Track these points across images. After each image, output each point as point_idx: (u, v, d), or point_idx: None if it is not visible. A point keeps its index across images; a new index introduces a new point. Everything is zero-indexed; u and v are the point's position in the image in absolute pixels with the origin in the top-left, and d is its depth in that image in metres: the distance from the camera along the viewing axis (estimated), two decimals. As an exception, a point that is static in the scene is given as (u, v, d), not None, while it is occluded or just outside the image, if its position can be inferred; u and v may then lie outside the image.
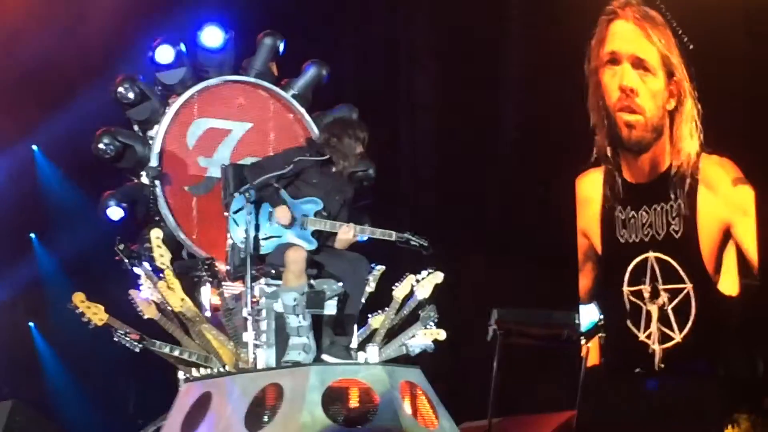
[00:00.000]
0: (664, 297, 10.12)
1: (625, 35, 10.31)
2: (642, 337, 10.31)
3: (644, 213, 10.13)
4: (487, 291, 10.71)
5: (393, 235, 8.57)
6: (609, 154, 10.50)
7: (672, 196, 9.99)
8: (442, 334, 9.27)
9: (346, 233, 8.50)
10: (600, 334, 9.60)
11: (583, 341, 8.93)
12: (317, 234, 8.50)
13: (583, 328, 9.15)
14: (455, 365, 10.60)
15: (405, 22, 12.21)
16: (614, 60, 10.35)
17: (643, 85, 10.14)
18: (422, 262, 9.36)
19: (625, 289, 10.41)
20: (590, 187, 10.68)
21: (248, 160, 9.42)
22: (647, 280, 10.23)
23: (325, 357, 8.32)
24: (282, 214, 8.42)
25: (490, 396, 7.95)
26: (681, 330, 10.05)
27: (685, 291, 10.02)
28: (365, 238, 8.75)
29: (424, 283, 9.33)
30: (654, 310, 10.18)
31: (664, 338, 10.17)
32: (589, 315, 10.57)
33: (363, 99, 10.57)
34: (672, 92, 10.00)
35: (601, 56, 10.45)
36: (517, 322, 8.09)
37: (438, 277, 9.34)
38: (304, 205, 8.53)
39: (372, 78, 11.81)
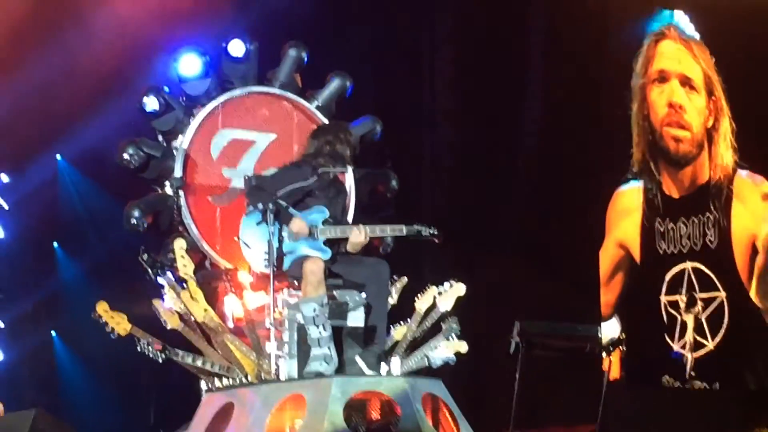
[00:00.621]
0: (699, 305, 10.27)
1: (673, 54, 10.62)
2: (677, 347, 10.42)
3: (682, 225, 10.32)
4: (509, 303, 10.70)
5: (404, 230, 8.55)
6: (652, 168, 10.69)
7: (710, 207, 10.17)
8: (464, 347, 9.27)
9: (358, 236, 8.49)
10: (621, 347, 9.61)
11: (603, 355, 8.92)
12: (329, 243, 8.51)
13: (603, 341, 9.15)
14: (477, 377, 10.59)
15: (427, 31, 12.22)
16: (663, 78, 10.60)
17: (690, 102, 10.37)
18: (445, 275, 9.37)
19: (663, 298, 10.55)
20: (630, 199, 10.87)
21: (271, 171, 9.45)
22: (684, 290, 10.39)
23: (357, 359, 8.31)
24: (299, 227, 8.42)
25: (512, 409, 7.93)
26: (714, 338, 10.18)
27: (719, 299, 10.17)
28: (387, 237, 8.72)
29: (447, 296, 9.33)
30: (690, 319, 10.34)
31: (697, 346, 10.30)
32: (609, 329, 10.63)
33: (382, 109, 10.62)
34: (711, 110, 10.24)
35: (649, 74, 10.70)
36: (539, 334, 8.06)
37: (460, 289, 9.34)
38: (311, 215, 8.54)
39: (392, 88, 11.83)
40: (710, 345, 10.26)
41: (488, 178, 11.77)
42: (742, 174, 10.06)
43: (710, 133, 10.29)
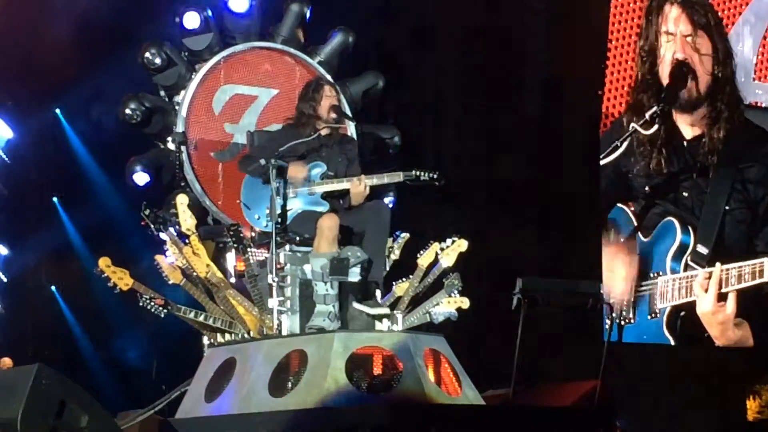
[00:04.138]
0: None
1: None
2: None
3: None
4: (511, 260, 10.70)
5: (401, 176, 8.49)
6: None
7: None
8: (466, 303, 9.26)
9: (357, 186, 8.45)
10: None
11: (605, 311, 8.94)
12: (328, 196, 8.50)
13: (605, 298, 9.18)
14: (479, 333, 10.61)
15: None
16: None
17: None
18: (447, 230, 9.36)
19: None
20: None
21: (274, 127, 9.44)
22: None
23: (356, 305, 8.29)
24: (296, 170, 8.40)
25: (513, 365, 7.94)
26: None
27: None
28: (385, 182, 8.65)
29: (449, 251, 9.30)
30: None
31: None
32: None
33: (387, 66, 10.58)
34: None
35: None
36: (541, 290, 8.07)
37: (463, 245, 9.30)
38: (310, 171, 8.53)
39: (396, 44, 11.78)
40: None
41: (492, 134, 11.75)
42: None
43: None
